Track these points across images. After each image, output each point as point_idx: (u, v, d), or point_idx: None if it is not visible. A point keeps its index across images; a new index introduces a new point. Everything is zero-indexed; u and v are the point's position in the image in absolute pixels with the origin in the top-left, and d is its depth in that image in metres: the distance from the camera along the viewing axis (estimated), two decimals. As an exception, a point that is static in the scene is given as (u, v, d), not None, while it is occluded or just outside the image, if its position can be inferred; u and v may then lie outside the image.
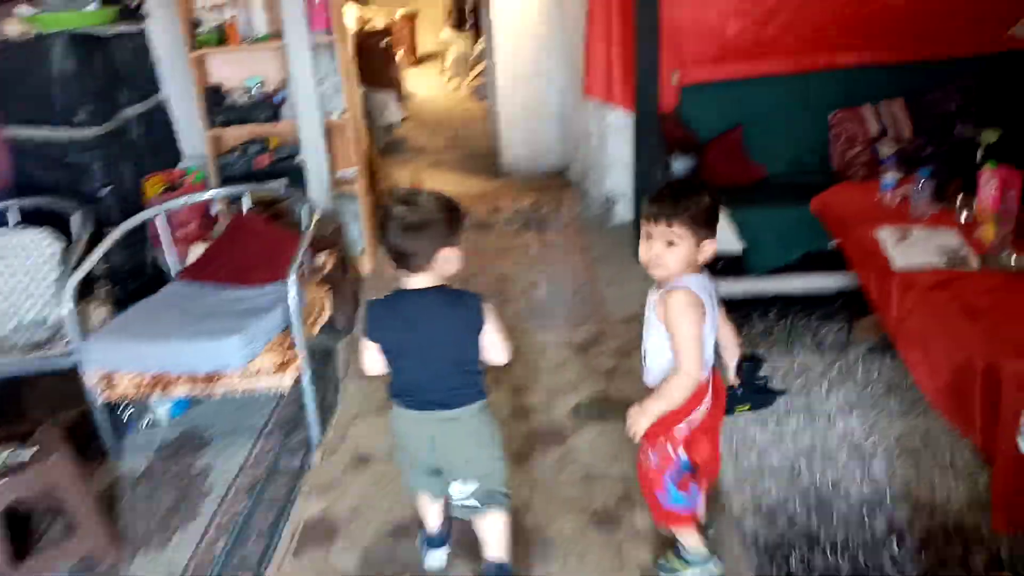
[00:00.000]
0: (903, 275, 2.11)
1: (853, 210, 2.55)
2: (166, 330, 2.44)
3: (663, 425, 1.74)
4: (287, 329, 2.56)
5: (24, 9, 3.15)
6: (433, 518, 2.07)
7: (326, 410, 2.83)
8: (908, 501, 2.15)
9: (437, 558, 2.08)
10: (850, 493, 2.20)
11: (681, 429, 1.75)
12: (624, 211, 4.28)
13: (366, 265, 3.98)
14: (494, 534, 1.94)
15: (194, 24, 3.56)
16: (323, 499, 2.40)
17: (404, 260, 1.75)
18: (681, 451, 1.76)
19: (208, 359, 2.37)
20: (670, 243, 1.64)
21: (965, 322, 1.84)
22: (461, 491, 1.89)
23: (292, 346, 2.54)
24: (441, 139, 6.77)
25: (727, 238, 3.03)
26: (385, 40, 7.62)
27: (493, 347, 1.82)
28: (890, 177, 2.50)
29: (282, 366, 2.52)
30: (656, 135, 3.55)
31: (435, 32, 10.05)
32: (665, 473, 1.78)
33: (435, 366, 1.82)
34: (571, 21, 4.62)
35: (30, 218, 2.94)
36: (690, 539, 1.91)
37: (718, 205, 1.70)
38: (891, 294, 2.13)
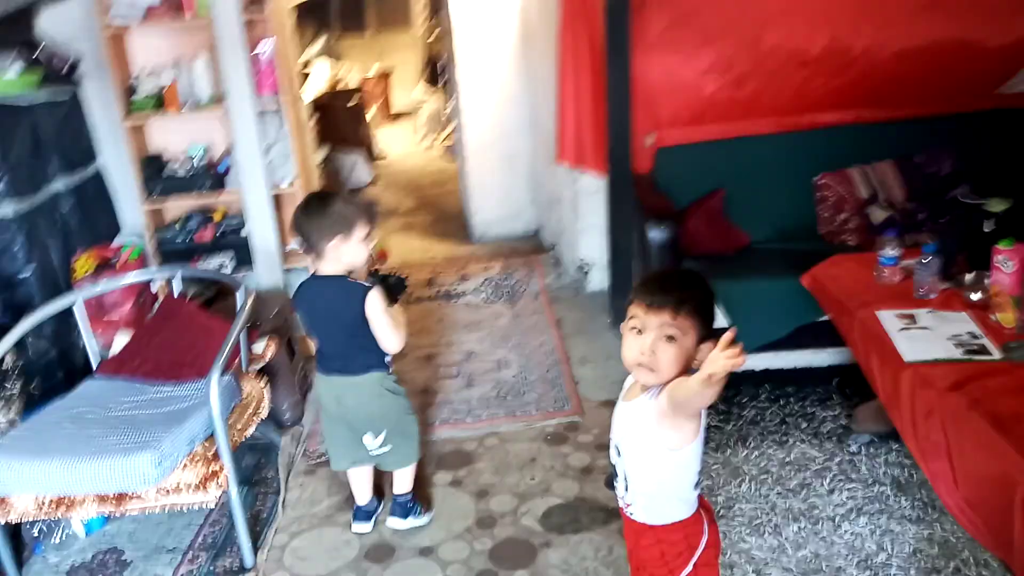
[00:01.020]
0: (915, 369, 1.83)
1: (850, 288, 2.28)
2: (66, 445, 2.09)
3: (667, 570, 1.49)
4: (213, 435, 2.23)
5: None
6: (361, 491, 2.41)
7: (263, 523, 2.49)
8: (933, 635, 1.84)
9: (362, 527, 2.40)
10: (864, 624, 1.89)
11: (687, 572, 1.48)
12: (599, 279, 4.00)
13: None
14: (402, 477, 2.36)
15: (130, 89, 3.30)
16: (253, 637, 2.06)
17: (304, 244, 2.10)
18: None
19: (114, 479, 2.03)
20: (670, 338, 1.37)
21: (995, 431, 1.55)
22: (372, 442, 2.26)
23: (218, 456, 2.21)
24: (412, 200, 6.52)
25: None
26: (355, 99, 7.44)
27: (379, 335, 2.12)
28: (890, 252, 2.24)
29: (207, 478, 2.18)
30: (630, 200, 3.31)
31: (411, 89, 9.91)
32: None
33: (333, 340, 2.18)
34: (541, 82, 4.41)
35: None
36: None
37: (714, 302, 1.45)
38: (902, 391, 1.84)
